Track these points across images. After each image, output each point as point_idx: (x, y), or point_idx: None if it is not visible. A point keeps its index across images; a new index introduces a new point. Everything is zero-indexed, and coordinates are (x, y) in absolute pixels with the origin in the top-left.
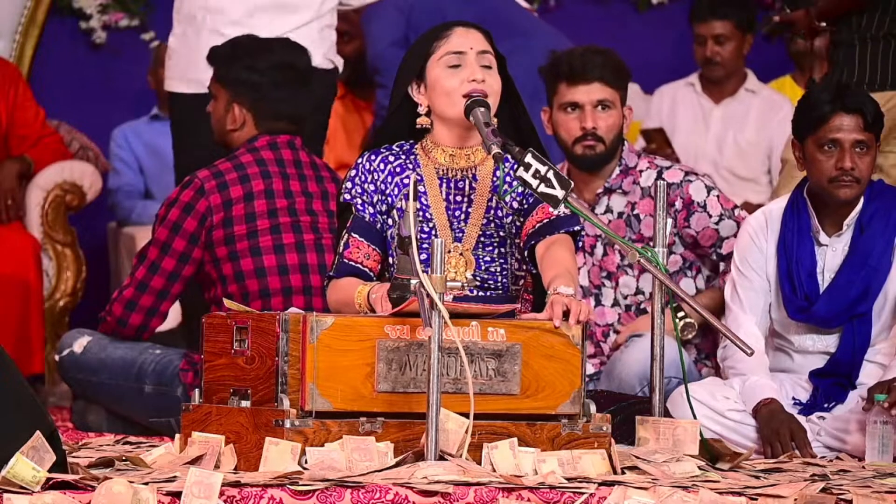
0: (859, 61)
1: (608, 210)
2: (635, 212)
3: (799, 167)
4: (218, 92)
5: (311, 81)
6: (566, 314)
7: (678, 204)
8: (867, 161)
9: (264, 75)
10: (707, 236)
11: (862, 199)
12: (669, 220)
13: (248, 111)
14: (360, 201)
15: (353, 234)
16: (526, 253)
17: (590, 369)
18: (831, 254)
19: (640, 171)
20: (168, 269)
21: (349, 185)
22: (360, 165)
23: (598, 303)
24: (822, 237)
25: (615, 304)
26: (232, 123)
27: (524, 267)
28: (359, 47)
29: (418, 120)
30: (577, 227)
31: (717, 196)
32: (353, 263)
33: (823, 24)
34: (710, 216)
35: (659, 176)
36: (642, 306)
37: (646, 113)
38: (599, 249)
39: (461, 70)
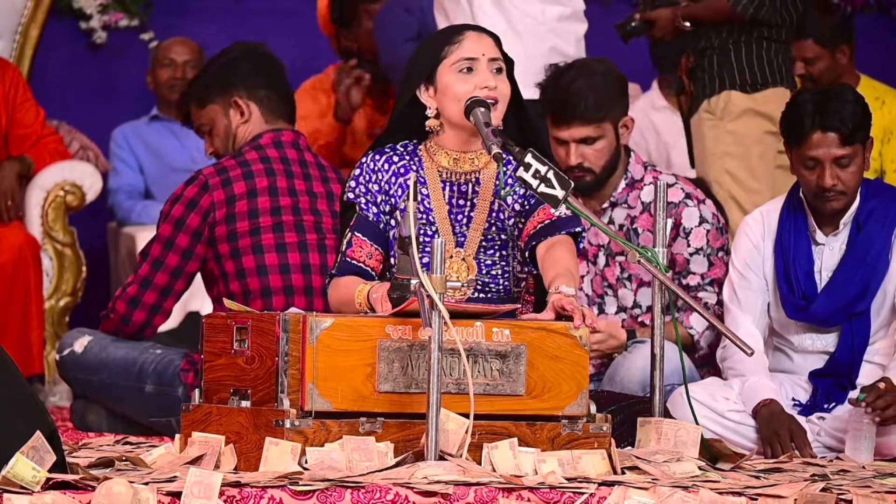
0: (736, 63)
1: (610, 222)
2: (634, 226)
3: (791, 171)
4: (214, 111)
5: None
6: (567, 316)
7: (670, 222)
8: (851, 171)
9: (265, 74)
10: (679, 262)
11: (858, 198)
12: (670, 221)
13: (252, 101)
14: (363, 201)
15: (356, 233)
16: (527, 254)
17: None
18: (828, 253)
19: (644, 186)
20: (172, 266)
21: (353, 184)
22: (364, 165)
23: (602, 311)
24: (819, 236)
25: (618, 312)
26: (239, 117)
27: (525, 269)
28: (365, 44)
29: (427, 122)
30: (578, 229)
31: (708, 231)
32: (355, 262)
33: (688, 24)
34: (689, 245)
35: None
36: (639, 320)
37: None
38: (602, 259)
39: (473, 76)
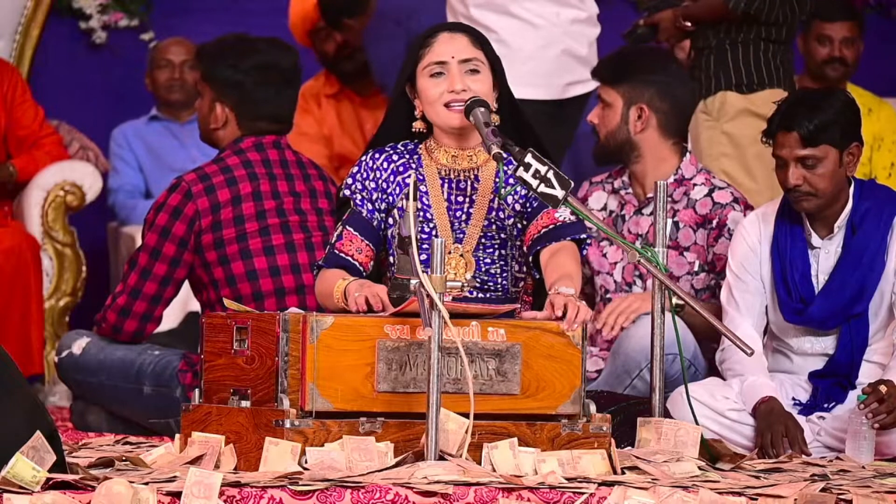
0: (733, 64)
1: (653, 213)
2: (675, 219)
3: None
4: (203, 90)
5: (298, 81)
6: (565, 313)
7: (714, 223)
8: (820, 173)
9: (247, 75)
10: (720, 263)
11: (851, 200)
12: (670, 221)
13: (231, 111)
14: (359, 197)
15: (347, 226)
16: (530, 259)
17: (602, 364)
18: (824, 256)
19: (695, 185)
20: (160, 275)
21: (350, 180)
22: (364, 162)
23: None
24: (815, 239)
25: None
26: (214, 122)
27: (524, 269)
28: (353, 39)
29: (414, 125)
30: (582, 235)
31: None
32: (343, 255)
33: (689, 23)
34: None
35: (710, 193)
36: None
37: None
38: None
39: (443, 80)
